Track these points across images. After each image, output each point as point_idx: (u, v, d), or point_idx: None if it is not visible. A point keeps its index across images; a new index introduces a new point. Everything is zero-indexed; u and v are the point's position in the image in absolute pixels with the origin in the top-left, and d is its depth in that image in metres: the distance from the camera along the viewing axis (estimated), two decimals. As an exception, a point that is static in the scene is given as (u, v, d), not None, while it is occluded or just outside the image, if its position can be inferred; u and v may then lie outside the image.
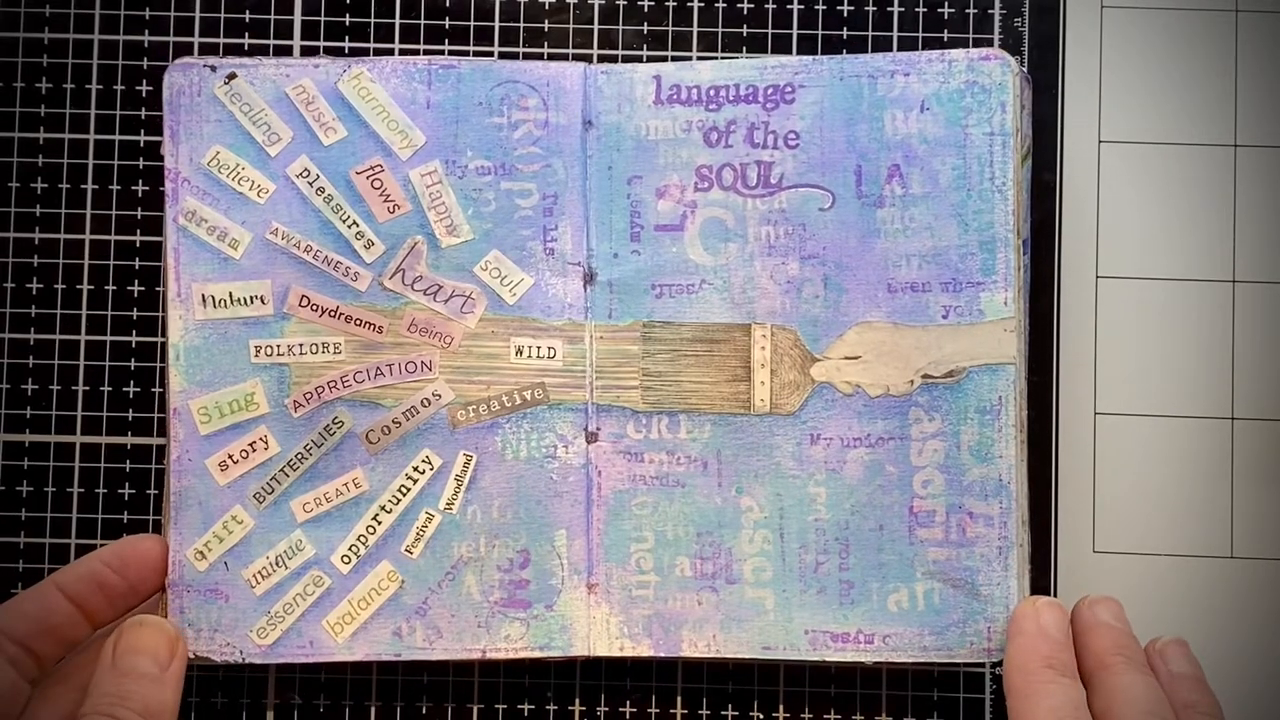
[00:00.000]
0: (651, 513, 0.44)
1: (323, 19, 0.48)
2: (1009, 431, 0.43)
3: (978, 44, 0.47)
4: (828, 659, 0.43)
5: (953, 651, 0.43)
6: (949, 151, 0.43)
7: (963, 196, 0.43)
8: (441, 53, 0.48)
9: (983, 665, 0.46)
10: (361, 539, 0.43)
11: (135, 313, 0.47)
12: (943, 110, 0.43)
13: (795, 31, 0.48)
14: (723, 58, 0.48)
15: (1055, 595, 0.47)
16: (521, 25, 0.48)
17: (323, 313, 0.43)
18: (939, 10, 0.48)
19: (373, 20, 0.48)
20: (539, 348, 0.44)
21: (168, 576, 0.42)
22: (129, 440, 0.47)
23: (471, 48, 0.48)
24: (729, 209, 0.44)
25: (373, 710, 0.47)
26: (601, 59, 0.48)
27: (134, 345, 0.47)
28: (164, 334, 0.43)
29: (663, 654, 0.43)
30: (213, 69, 0.43)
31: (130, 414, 0.47)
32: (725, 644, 0.43)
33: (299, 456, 0.43)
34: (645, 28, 0.48)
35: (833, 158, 0.44)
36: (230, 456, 0.43)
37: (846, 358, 0.43)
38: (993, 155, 0.43)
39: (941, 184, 0.43)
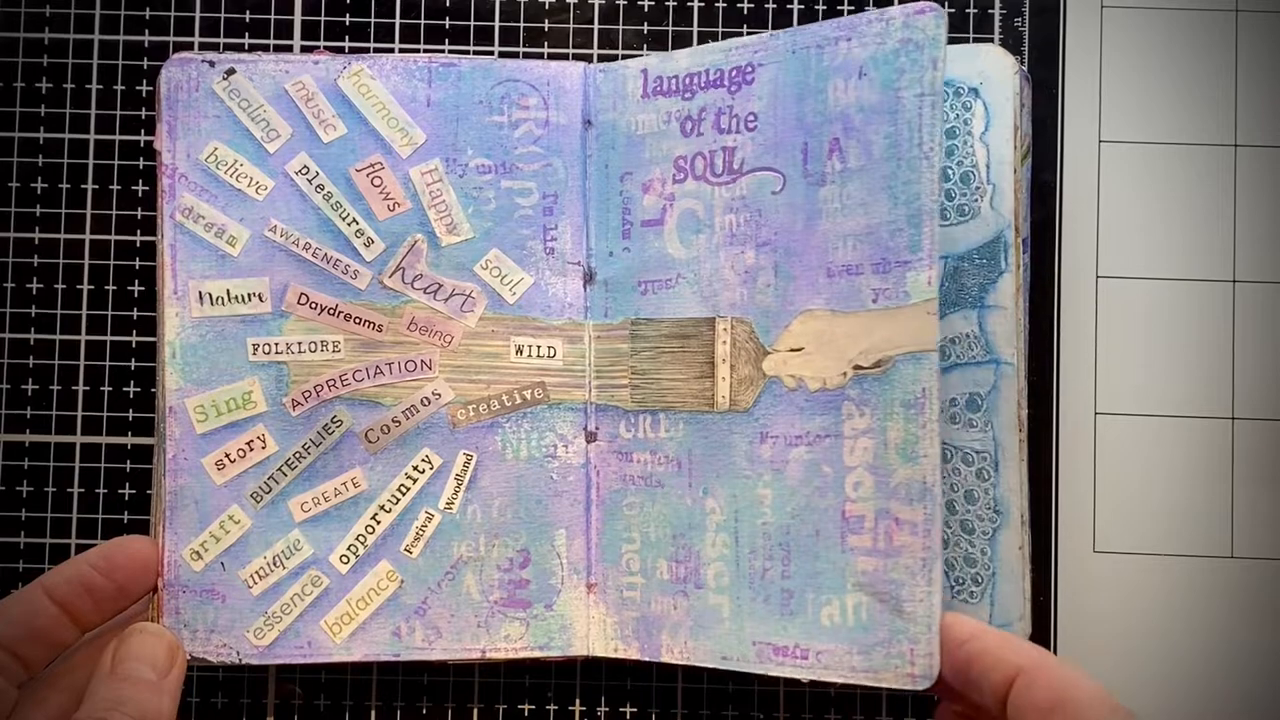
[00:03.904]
0: (639, 513, 0.43)
1: (323, 19, 0.48)
2: (933, 429, 0.38)
3: (978, 44, 0.47)
4: (770, 672, 0.40)
5: (878, 674, 0.38)
6: (883, 119, 0.39)
7: (893, 167, 0.39)
8: (442, 53, 0.48)
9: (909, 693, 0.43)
10: (360, 538, 0.43)
11: (135, 313, 0.47)
12: (878, 74, 0.39)
13: (795, 31, 0.48)
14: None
15: (1055, 596, 0.47)
16: (521, 25, 0.48)
17: (322, 311, 0.43)
18: (939, 10, 0.48)
19: (373, 20, 0.48)
20: (539, 347, 0.44)
21: (162, 577, 0.42)
22: (129, 440, 0.47)
23: (471, 48, 0.48)
24: (700, 199, 0.43)
25: (373, 710, 0.47)
26: (601, 59, 0.48)
27: (134, 345, 0.47)
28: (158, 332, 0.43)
29: (647, 658, 0.43)
30: (211, 64, 0.43)
31: (130, 414, 0.47)
32: (694, 651, 0.42)
33: (297, 455, 0.43)
34: (645, 28, 0.48)
35: (784, 137, 0.41)
36: (227, 455, 0.43)
37: (792, 350, 0.41)
38: (921, 119, 0.38)
39: (875, 155, 0.39)
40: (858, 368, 0.39)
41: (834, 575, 0.39)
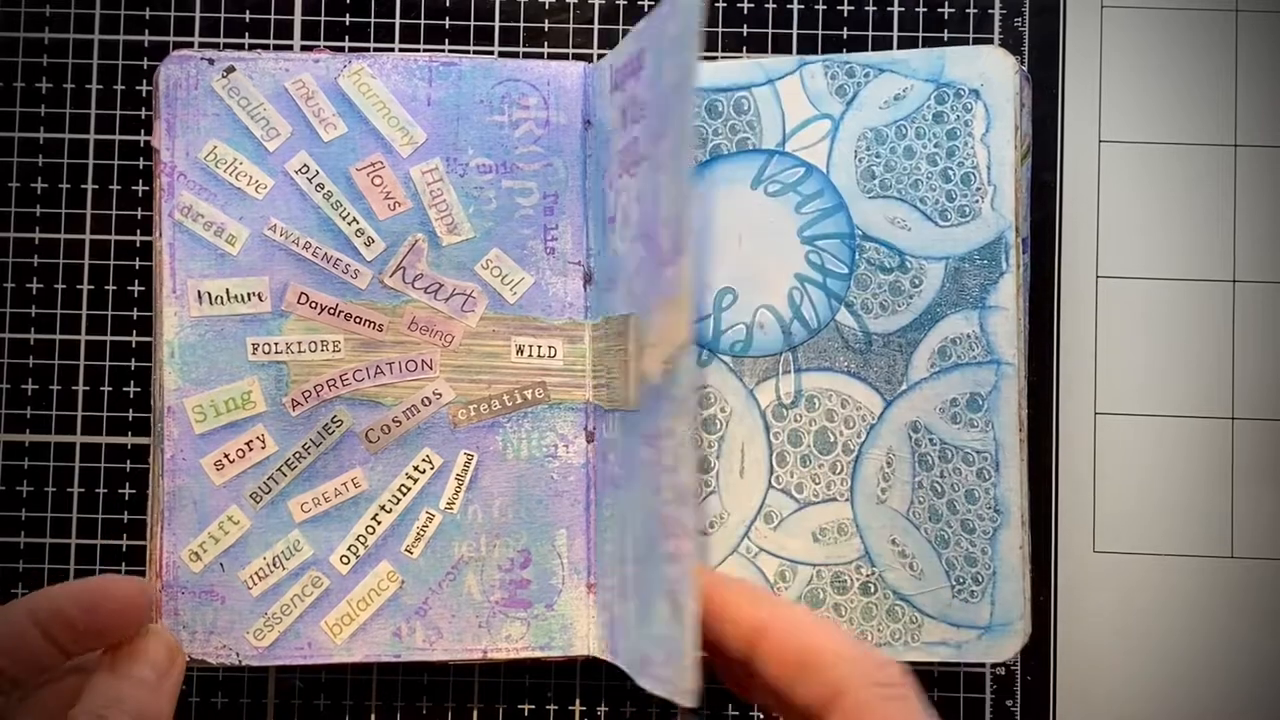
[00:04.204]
0: (610, 514, 0.43)
1: (323, 19, 0.48)
2: (686, 428, 0.34)
3: (978, 44, 0.47)
4: (640, 684, 0.37)
5: (676, 687, 0.34)
6: (669, 99, 0.36)
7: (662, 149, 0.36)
8: (442, 52, 0.48)
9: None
10: (361, 539, 0.43)
11: (135, 313, 0.47)
12: (675, 52, 0.36)
13: (795, 31, 0.48)
14: (715, 56, 0.47)
15: (1055, 595, 0.47)
16: (521, 25, 0.48)
17: (322, 310, 0.43)
18: (939, 10, 0.48)
19: (373, 20, 0.48)
20: (539, 347, 0.44)
21: (161, 578, 0.42)
22: (129, 440, 0.47)
23: (471, 48, 0.48)
24: (627, 193, 0.41)
25: (373, 710, 0.47)
26: (601, 59, 0.48)
27: (134, 345, 0.47)
28: (155, 331, 0.43)
29: (612, 661, 0.42)
30: (210, 62, 0.43)
31: (130, 414, 0.47)
32: (626, 657, 0.40)
33: (297, 456, 0.43)
34: (645, 28, 0.48)
35: (653, 124, 0.38)
36: (226, 456, 0.43)
37: (651, 345, 0.38)
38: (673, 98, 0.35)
39: (669, 135, 0.36)
40: (664, 363, 0.36)
41: (658, 583, 0.36)
